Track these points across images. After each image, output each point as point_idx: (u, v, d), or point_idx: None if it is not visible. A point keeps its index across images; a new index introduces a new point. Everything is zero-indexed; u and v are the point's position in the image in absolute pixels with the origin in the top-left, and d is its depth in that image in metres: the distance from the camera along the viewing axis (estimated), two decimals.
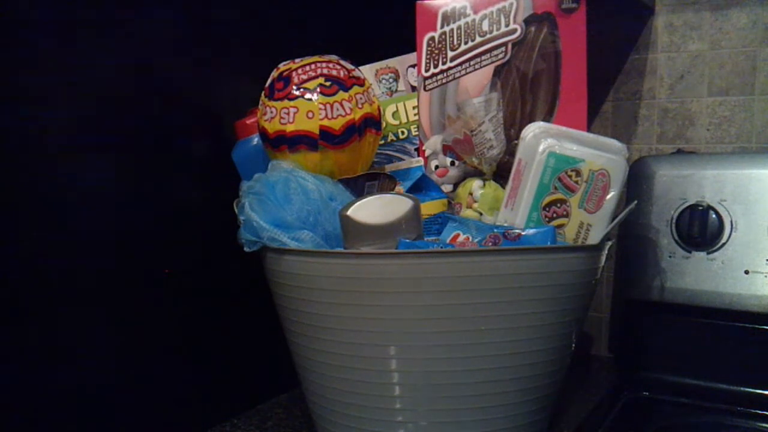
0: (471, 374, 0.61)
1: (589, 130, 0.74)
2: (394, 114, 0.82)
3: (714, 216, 0.85)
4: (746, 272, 0.83)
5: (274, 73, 0.70)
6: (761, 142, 0.93)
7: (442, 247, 0.63)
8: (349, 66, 0.71)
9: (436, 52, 0.78)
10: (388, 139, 0.82)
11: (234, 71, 0.78)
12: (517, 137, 0.72)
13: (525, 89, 0.76)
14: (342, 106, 0.67)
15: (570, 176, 0.68)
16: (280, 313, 0.70)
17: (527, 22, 0.75)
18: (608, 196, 0.68)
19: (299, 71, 0.68)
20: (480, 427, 0.63)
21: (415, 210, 0.64)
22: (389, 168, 0.81)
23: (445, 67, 0.78)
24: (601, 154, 0.68)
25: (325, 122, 0.67)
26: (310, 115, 0.67)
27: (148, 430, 0.69)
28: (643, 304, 0.90)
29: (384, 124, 0.78)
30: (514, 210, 0.70)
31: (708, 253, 0.85)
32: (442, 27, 0.77)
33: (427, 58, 0.78)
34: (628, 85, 1.01)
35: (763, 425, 0.80)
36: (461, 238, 0.68)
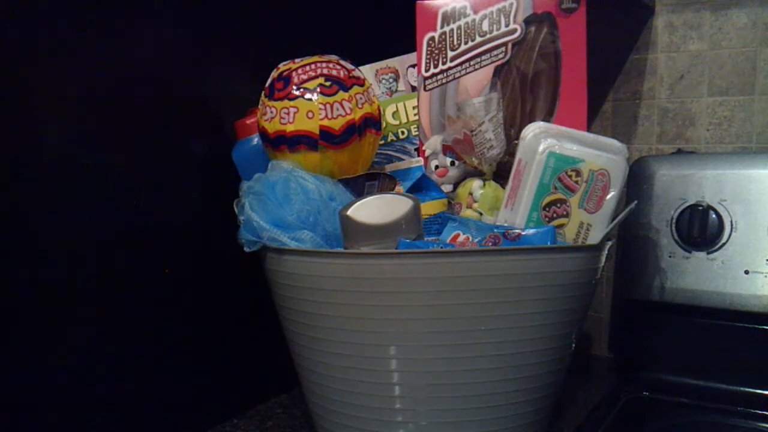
0: (471, 374, 0.61)
1: (589, 130, 0.74)
2: (394, 114, 0.82)
3: (714, 216, 0.85)
4: (746, 272, 0.83)
5: (274, 73, 0.70)
6: (761, 142, 0.93)
7: (442, 247, 0.63)
8: (349, 66, 0.71)
9: (436, 52, 0.78)
10: (388, 139, 0.82)
11: (234, 71, 0.78)
12: (517, 137, 0.72)
13: (525, 89, 0.76)
14: (342, 106, 0.67)
15: (570, 176, 0.68)
16: (280, 313, 0.70)
17: (527, 22, 0.75)
18: (608, 196, 0.68)
19: (299, 71, 0.68)
20: (480, 427, 0.63)
21: (415, 210, 0.64)
22: (389, 168, 0.81)
23: (445, 67, 0.78)
24: (601, 154, 0.69)
25: (325, 122, 0.67)
26: (310, 115, 0.67)
27: (148, 430, 0.69)
28: (643, 304, 0.90)
29: (384, 124, 0.78)
30: (514, 210, 0.70)
31: (708, 253, 0.85)
32: (442, 27, 0.77)
33: (427, 58, 0.78)
34: (628, 85, 1.01)
35: (763, 425, 0.80)
36: (461, 238, 0.68)
